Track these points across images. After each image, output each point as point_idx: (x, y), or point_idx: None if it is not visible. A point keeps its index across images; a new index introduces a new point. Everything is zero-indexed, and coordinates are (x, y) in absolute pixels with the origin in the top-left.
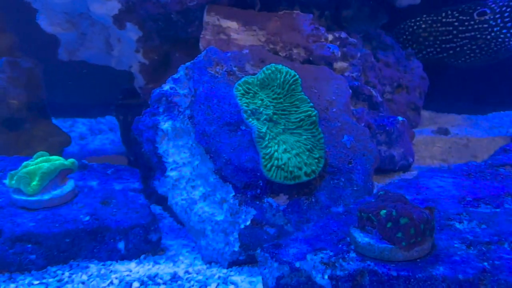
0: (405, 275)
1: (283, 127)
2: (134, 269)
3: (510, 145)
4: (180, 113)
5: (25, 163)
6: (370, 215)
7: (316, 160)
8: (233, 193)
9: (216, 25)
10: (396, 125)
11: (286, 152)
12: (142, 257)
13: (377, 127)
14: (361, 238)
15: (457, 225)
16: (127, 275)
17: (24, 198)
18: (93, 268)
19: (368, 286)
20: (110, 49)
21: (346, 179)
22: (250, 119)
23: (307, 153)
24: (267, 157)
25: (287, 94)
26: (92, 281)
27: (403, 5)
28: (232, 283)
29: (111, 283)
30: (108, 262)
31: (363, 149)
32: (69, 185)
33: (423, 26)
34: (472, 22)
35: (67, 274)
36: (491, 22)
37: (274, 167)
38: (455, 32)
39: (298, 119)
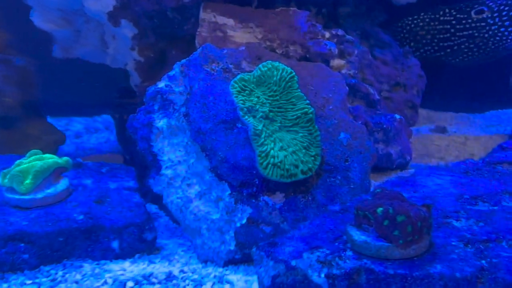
0: (402, 273)
1: (279, 124)
2: (129, 269)
3: (507, 142)
4: (175, 110)
5: (18, 161)
6: (366, 213)
7: (313, 158)
8: (229, 191)
9: (212, 22)
10: (393, 123)
11: (283, 150)
12: (137, 256)
13: (375, 125)
14: (358, 236)
15: (455, 223)
16: (121, 275)
17: (17, 197)
18: (87, 267)
19: (365, 284)
20: (105, 46)
21: (343, 177)
22: (246, 117)
23: (304, 150)
24: (263, 154)
25: (283, 91)
26: (85, 280)
27: (400, 3)
28: (228, 282)
29: (105, 282)
30: (102, 261)
31: (360, 147)
32: (63, 183)
33: (421, 24)
34: (469, 21)
35: (60, 273)
36: (488, 20)
37: (270, 165)
38: (452, 30)
39: (295, 116)
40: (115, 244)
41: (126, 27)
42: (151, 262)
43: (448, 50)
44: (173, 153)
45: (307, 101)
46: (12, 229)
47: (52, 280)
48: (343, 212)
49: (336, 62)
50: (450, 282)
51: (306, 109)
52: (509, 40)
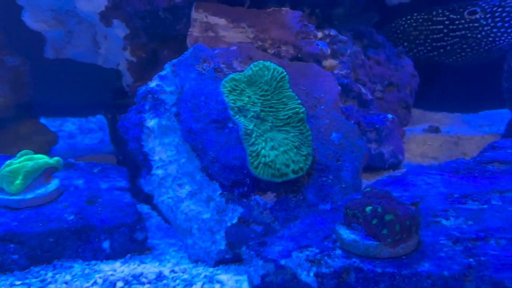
0: (390, 271)
1: (270, 124)
2: (119, 269)
3: (498, 142)
4: (166, 110)
5: (8, 161)
6: (356, 211)
7: (304, 158)
8: (220, 191)
9: (204, 22)
10: (386, 123)
11: (274, 150)
12: (127, 256)
13: (367, 124)
14: (347, 235)
15: (444, 222)
16: (111, 275)
17: (7, 197)
18: (77, 268)
19: (354, 283)
20: (97, 47)
21: (335, 176)
22: (237, 116)
23: (295, 150)
24: (254, 154)
25: (274, 91)
26: (75, 281)
27: (393, 3)
28: (218, 281)
29: (95, 282)
30: (93, 262)
31: (351, 146)
32: (53, 184)
33: (414, 24)
34: (462, 21)
35: (50, 274)
36: (481, 21)
37: (261, 165)
38: (445, 30)
39: (286, 116)
40: (106, 245)
41: (118, 27)
42: (142, 262)
43: (441, 50)
44: (164, 153)
45: (299, 101)
46: (2, 229)
47: (42, 281)
48: (334, 211)
49: (329, 62)
50: (438, 280)
51: (298, 109)
52: (501, 41)
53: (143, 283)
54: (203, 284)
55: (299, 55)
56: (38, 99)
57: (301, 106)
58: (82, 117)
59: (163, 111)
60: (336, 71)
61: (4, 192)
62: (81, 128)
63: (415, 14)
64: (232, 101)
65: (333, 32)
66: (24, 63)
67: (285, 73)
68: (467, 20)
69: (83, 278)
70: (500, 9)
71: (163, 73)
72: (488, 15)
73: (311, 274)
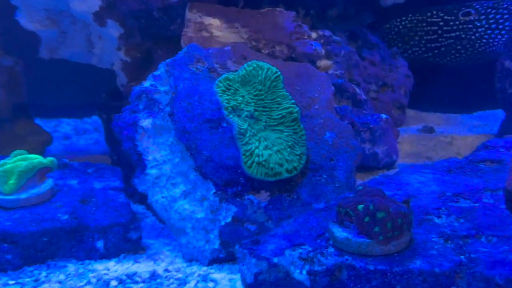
0: (382, 269)
1: (264, 123)
2: (113, 268)
3: (491, 141)
4: (160, 110)
5: (2, 161)
6: (348, 210)
7: (298, 157)
8: (214, 190)
9: (198, 22)
10: (379, 123)
11: (267, 149)
12: (121, 256)
13: (361, 124)
14: (339, 233)
15: (436, 220)
16: (105, 274)
17: (0, 197)
18: (71, 267)
19: (346, 280)
20: (91, 47)
21: (328, 175)
22: (231, 116)
23: (289, 149)
24: (247, 153)
25: (268, 90)
26: (69, 280)
27: (388, 4)
28: (212, 280)
29: (89, 282)
30: (87, 261)
31: (345, 146)
32: (47, 183)
33: (409, 25)
34: (457, 22)
35: (44, 274)
36: (476, 22)
37: (254, 164)
38: (440, 32)
39: (280, 115)
40: (100, 244)
41: (112, 27)
42: (136, 261)
43: (436, 51)
44: (158, 153)
45: (293, 101)
46: None
47: (36, 280)
48: (327, 210)
49: (323, 62)
50: (429, 277)
51: (291, 109)
52: (495, 43)
53: (137, 282)
54: (197, 282)
55: (293, 55)
56: (33, 100)
57: (295, 105)
58: (77, 118)
59: (157, 110)
60: (330, 71)
61: None
62: (76, 129)
63: (410, 15)
64: (226, 101)
65: (327, 33)
66: (18, 63)
67: (279, 72)
68: (462, 21)
69: (77, 278)
70: (493, 11)
71: (157, 73)
72: (482, 17)
73: (304, 272)
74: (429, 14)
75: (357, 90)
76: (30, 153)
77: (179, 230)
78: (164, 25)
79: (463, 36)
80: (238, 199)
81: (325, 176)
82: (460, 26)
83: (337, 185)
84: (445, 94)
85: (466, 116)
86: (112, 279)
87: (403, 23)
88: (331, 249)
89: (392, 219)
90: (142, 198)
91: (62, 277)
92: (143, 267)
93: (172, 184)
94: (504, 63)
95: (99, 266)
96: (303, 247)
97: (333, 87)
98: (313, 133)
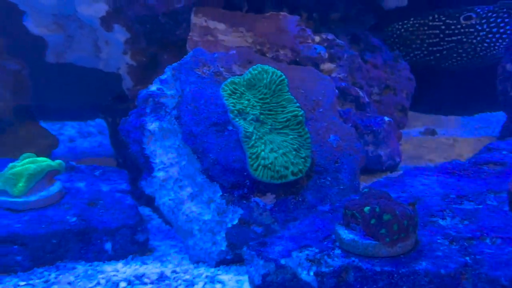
0: (388, 270)
1: (269, 127)
2: (121, 269)
3: (494, 143)
4: (167, 113)
5: (11, 164)
6: (354, 212)
7: (303, 160)
8: (220, 193)
9: (203, 27)
10: (382, 125)
11: (273, 152)
12: (129, 257)
13: (364, 127)
14: (346, 235)
15: (440, 222)
16: (114, 275)
17: (10, 199)
18: (80, 269)
19: (353, 282)
20: (98, 51)
21: (333, 178)
22: (237, 119)
23: (294, 152)
24: (253, 156)
25: (273, 94)
26: (79, 281)
27: (390, 7)
28: (219, 282)
29: (98, 283)
30: (95, 263)
31: (349, 149)
32: (56, 186)
33: (411, 29)
34: (458, 26)
35: (53, 275)
36: (477, 26)
37: (260, 167)
38: (442, 35)
39: (285, 119)
40: (108, 246)
41: (119, 32)
42: (143, 263)
43: (438, 55)
44: (165, 156)
45: (297, 104)
46: (5, 231)
47: (46, 282)
48: (332, 212)
49: (326, 65)
50: (435, 278)
51: (296, 112)
52: (496, 47)
53: (145, 283)
54: (205, 284)
55: (297, 59)
56: (38, 103)
57: (300, 109)
58: (81, 121)
59: (164, 114)
60: (333, 75)
61: (7, 195)
62: (80, 132)
63: (412, 19)
64: (231, 104)
65: (330, 36)
66: (24, 67)
67: (284, 76)
68: (463, 25)
69: (86, 279)
70: (494, 15)
71: (163, 76)
72: (483, 21)
73: (311, 273)
74: (430, 17)
75: (360, 93)
76: (37, 156)
77: (186, 232)
78: (169, 30)
79: (464, 40)
80: (245, 202)
81: (329, 179)
82: (462, 30)
83: (341, 187)
84: (447, 97)
85: (467, 118)
86: (121, 280)
87: (405, 26)
88: (337, 251)
89: (398, 221)
90: (149, 201)
91: (71, 278)
92: (151, 269)
93: (179, 186)
94: (506, 66)
95: (108, 268)
96: (310, 248)
97: (336, 90)
98: (318, 136)
